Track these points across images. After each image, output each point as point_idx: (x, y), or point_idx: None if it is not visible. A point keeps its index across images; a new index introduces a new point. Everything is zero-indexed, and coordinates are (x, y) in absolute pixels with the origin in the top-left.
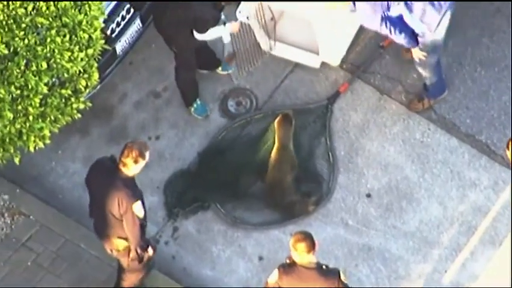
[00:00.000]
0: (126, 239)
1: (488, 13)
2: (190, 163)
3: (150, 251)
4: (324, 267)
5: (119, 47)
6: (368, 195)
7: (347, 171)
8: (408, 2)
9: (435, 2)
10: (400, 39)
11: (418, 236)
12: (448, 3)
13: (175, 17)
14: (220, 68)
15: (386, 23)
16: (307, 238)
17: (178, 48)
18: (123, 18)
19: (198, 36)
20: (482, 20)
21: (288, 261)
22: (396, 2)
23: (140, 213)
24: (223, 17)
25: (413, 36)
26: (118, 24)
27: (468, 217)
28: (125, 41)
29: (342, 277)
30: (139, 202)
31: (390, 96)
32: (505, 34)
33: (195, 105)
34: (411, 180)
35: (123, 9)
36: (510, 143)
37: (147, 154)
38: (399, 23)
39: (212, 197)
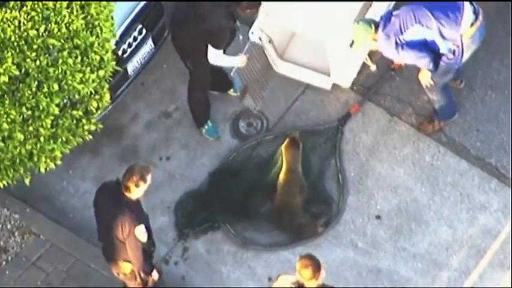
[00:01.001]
0: (131, 262)
1: (499, 37)
2: (201, 183)
3: (155, 275)
4: None
5: (131, 67)
6: (378, 217)
7: (357, 193)
8: (422, 22)
9: (450, 13)
10: (419, 62)
11: (427, 258)
12: (465, 17)
13: (192, 30)
14: (231, 90)
15: (401, 47)
16: (313, 264)
17: (193, 64)
18: (135, 39)
19: (212, 58)
20: (492, 44)
21: (295, 282)
22: (410, 25)
23: (143, 237)
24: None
25: (434, 60)
26: (130, 45)
27: (477, 240)
28: (137, 61)
29: None
30: (142, 226)
31: (401, 118)
32: None
33: (206, 127)
34: (420, 202)
35: (135, 30)
36: None
37: (149, 177)
38: (418, 46)
39: (222, 217)
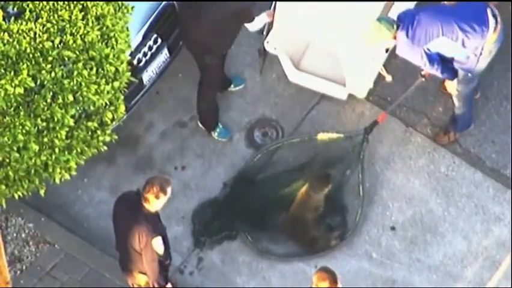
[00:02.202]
0: (146, 274)
1: None
2: (219, 192)
3: (169, 286)
4: None
5: (146, 77)
6: (393, 228)
7: (372, 204)
8: (449, 35)
9: (476, 27)
10: (437, 72)
11: (442, 269)
12: (490, 28)
13: (210, 20)
14: (232, 86)
15: (424, 56)
16: (330, 277)
17: (210, 59)
18: (150, 48)
19: (250, 27)
20: (508, 54)
21: None
22: (436, 36)
23: (160, 249)
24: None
25: (451, 70)
26: (145, 55)
27: (492, 252)
28: (152, 71)
29: None
30: (159, 238)
31: (416, 129)
32: None
33: (218, 130)
34: (435, 213)
35: (150, 39)
36: None
37: (169, 190)
38: (436, 57)
39: (239, 226)
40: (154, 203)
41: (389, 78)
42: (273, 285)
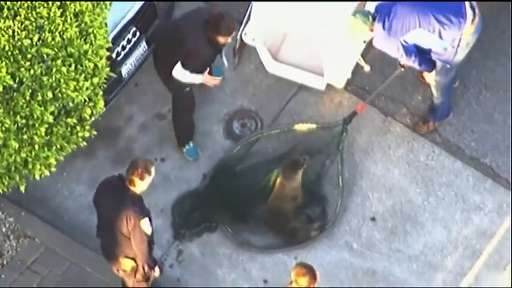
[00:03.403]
0: (133, 258)
1: (493, 36)
2: (199, 183)
3: (157, 270)
4: None
5: (125, 70)
6: (373, 219)
7: (352, 194)
8: (425, 26)
9: (453, 19)
10: (414, 64)
11: (422, 259)
12: (467, 20)
13: (171, 53)
14: None
15: (400, 48)
16: (309, 273)
17: (175, 87)
18: (129, 41)
19: (176, 72)
20: (487, 43)
21: None
22: (413, 28)
23: (148, 230)
24: (224, 58)
25: (428, 61)
26: (124, 48)
27: (472, 241)
28: (131, 64)
29: None
30: (147, 219)
31: (395, 118)
32: (509, 57)
33: (187, 147)
34: (415, 203)
35: (129, 32)
36: None
37: (153, 170)
38: (413, 49)
39: (220, 218)
40: (139, 185)
41: (367, 68)
42: (254, 277)
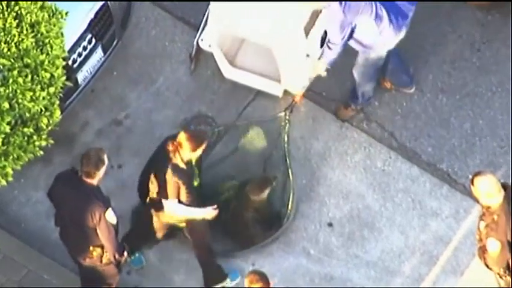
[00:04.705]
0: (101, 246)
1: (450, 40)
2: None
3: (125, 254)
4: None
5: (81, 77)
6: (330, 225)
7: (309, 200)
8: (377, 20)
9: (400, 22)
10: (336, 50)
11: (380, 265)
12: (405, 23)
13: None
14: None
15: (347, 29)
16: (262, 280)
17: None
18: (85, 48)
19: (169, 209)
20: (443, 47)
21: None
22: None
23: (113, 219)
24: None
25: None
26: (80, 55)
27: (429, 246)
28: (87, 71)
29: None
30: (110, 209)
31: (352, 124)
32: (467, 62)
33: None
34: (372, 209)
35: (85, 39)
36: (473, 179)
37: (105, 157)
38: (350, 37)
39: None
40: (96, 175)
41: (323, 73)
42: None
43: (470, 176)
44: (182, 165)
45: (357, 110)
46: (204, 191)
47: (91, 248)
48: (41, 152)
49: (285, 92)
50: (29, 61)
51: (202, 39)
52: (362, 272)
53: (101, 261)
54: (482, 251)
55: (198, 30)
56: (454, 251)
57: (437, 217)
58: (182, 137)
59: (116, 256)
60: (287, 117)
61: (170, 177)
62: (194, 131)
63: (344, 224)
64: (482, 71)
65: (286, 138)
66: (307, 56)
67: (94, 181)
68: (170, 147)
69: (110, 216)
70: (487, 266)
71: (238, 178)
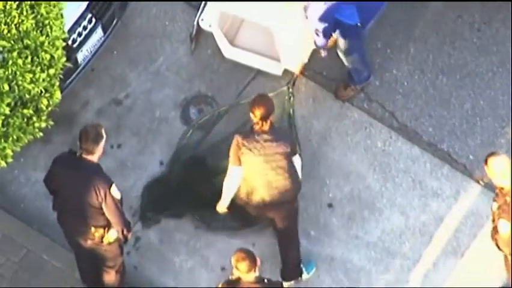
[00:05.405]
0: (102, 227)
1: (450, 20)
2: (166, 168)
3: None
4: (265, 280)
5: (81, 56)
6: (330, 205)
7: (309, 180)
8: None
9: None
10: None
11: (380, 246)
12: None
13: None
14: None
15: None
16: (248, 257)
17: None
18: (85, 28)
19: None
20: (443, 27)
21: (232, 277)
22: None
23: (118, 194)
24: None
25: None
26: (80, 34)
27: (430, 227)
28: (87, 50)
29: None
30: (114, 185)
31: (353, 104)
32: (467, 41)
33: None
34: (373, 189)
35: (85, 19)
36: (487, 159)
37: (103, 131)
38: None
39: (189, 204)
40: (96, 151)
41: (323, 53)
42: (211, 264)
43: (472, 157)
44: None
45: (357, 90)
46: (211, 170)
47: (93, 229)
48: (41, 134)
49: (285, 70)
50: (29, 42)
51: (202, 19)
52: (362, 253)
53: (101, 242)
54: (494, 232)
55: (198, 10)
56: (454, 232)
57: (437, 197)
58: None
59: (124, 231)
60: (290, 90)
61: None
62: None
63: (344, 205)
64: (483, 51)
65: (291, 112)
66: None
67: (94, 157)
68: None
69: (115, 190)
70: (498, 248)
71: None
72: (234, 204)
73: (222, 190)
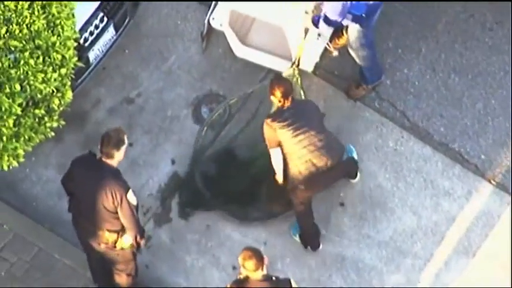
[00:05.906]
0: (116, 232)
1: (461, 19)
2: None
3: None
4: (274, 278)
5: (93, 55)
6: (342, 204)
7: None
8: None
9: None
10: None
11: (392, 245)
12: None
13: None
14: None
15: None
16: (255, 256)
17: None
18: (96, 27)
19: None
20: (455, 27)
21: (240, 276)
22: None
23: (134, 200)
24: None
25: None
26: (92, 33)
27: (442, 227)
28: (99, 49)
29: (294, 285)
30: (131, 190)
31: (364, 103)
32: (478, 41)
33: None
34: (384, 188)
35: (96, 18)
36: None
37: (125, 138)
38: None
39: (225, 200)
40: (116, 156)
41: (335, 52)
42: (223, 263)
43: (483, 156)
44: None
45: (368, 89)
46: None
47: (107, 233)
48: (52, 134)
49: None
50: (40, 43)
51: (213, 18)
52: (373, 252)
53: (115, 247)
54: None
55: (209, 9)
56: (465, 231)
57: (449, 197)
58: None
59: (138, 238)
60: (296, 72)
61: None
62: None
63: (355, 204)
64: (494, 51)
65: (302, 93)
66: (319, 35)
67: (114, 162)
68: None
69: (132, 196)
70: None
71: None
72: (273, 189)
73: (255, 178)
